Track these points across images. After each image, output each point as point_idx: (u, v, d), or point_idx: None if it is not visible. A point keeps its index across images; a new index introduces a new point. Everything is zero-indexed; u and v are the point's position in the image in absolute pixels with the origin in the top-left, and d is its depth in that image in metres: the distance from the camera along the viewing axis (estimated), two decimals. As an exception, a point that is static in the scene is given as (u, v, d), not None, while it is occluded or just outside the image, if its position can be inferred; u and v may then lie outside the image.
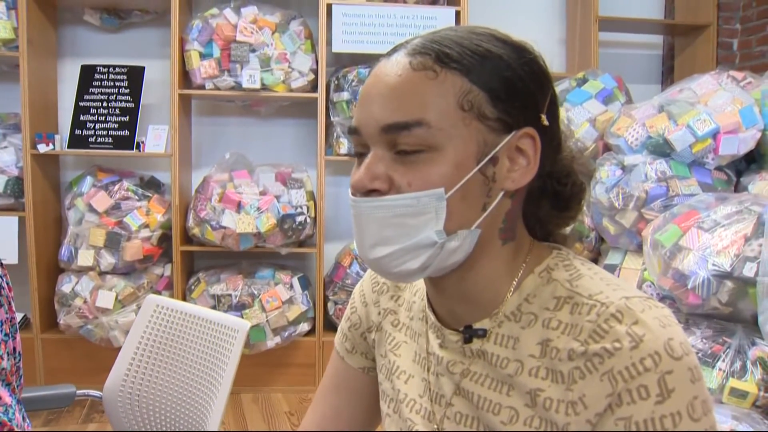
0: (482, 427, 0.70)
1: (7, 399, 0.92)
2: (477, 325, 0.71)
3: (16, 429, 0.90)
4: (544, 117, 0.69)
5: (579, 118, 3.11)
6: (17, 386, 0.97)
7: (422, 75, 0.65)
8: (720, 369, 2.04)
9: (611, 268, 2.89)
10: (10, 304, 0.97)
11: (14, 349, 0.96)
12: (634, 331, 0.60)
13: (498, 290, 0.71)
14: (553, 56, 3.92)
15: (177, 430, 1.53)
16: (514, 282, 0.71)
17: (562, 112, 3.12)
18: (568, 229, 0.79)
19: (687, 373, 0.59)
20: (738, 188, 2.72)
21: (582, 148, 0.70)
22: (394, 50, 0.69)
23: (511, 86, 0.66)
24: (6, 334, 0.94)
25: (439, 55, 0.65)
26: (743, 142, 2.60)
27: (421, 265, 0.66)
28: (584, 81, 3.27)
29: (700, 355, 2.08)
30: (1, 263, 0.99)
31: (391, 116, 0.65)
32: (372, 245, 0.67)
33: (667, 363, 0.59)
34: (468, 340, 0.72)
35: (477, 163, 0.65)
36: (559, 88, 3.30)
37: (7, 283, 0.98)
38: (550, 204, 0.75)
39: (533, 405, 0.66)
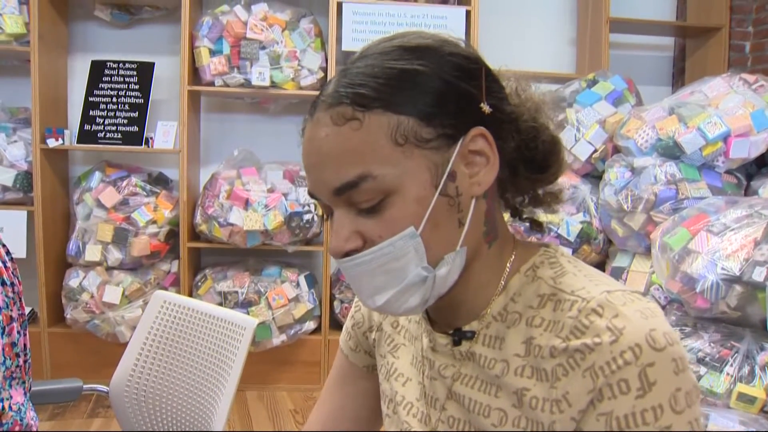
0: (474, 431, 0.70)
1: (20, 398, 0.92)
2: (466, 328, 0.71)
3: (25, 428, 0.90)
4: (484, 106, 0.66)
5: (588, 119, 3.09)
6: (30, 385, 0.97)
7: (347, 128, 0.63)
8: (728, 374, 2.03)
9: (619, 271, 2.88)
10: (21, 300, 0.97)
11: (24, 345, 0.96)
12: (614, 324, 0.59)
13: (487, 292, 0.70)
14: (563, 57, 3.91)
15: (183, 428, 1.53)
16: (502, 282, 0.70)
17: (571, 114, 3.12)
18: (557, 186, 0.76)
19: (670, 364, 0.58)
20: (748, 192, 2.71)
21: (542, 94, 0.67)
22: (315, 107, 0.67)
23: (439, 96, 0.64)
24: (18, 332, 0.94)
25: (355, 100, 0.63)
26: (754, 146, 2.59)
27: (422, 299, 0.66)
28: (594, 82, 3.26)
29: (707, 359, 2.07)
30: (12, 257, 0.98)
31: (336, 179, 0.64)
32: (370, 295, 0.67)
33: (648, 355, 0.57)
34: (457, 343, 0.71)
35: (435, 188, 0.64)
36: (569, 89, 3.28)
37: (18, 278, 0.98)
38: (527, 170, 0.72)
39: (520, 405, 0.65)
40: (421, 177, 0.63)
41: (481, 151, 0.66)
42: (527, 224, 0.80)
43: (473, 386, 0.70)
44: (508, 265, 0.71)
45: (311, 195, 0.69)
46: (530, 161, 0.72)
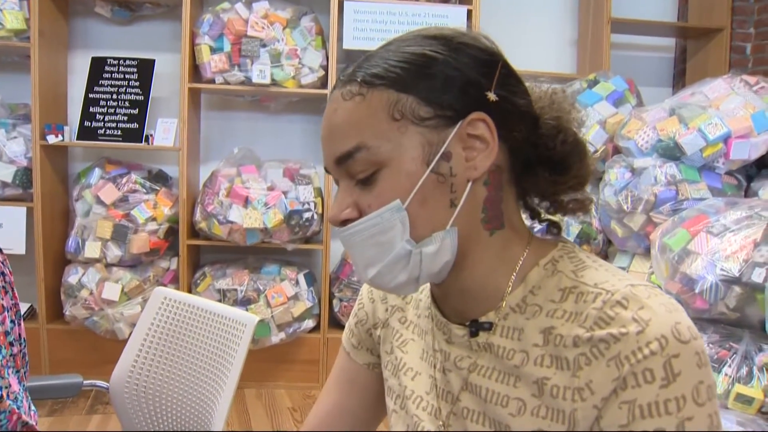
0: (488, 422, 0.70)
1: (16, 387, 0.92)
2: (483, 319, 0.71)
3: (24, 417, 0.91)
4: (491, 94, 0.67)
5: (589, 120, 3.09)
6: (24, 373, 0.97)
7: (352, 102, 0.67)
8: (726, 374, 2.03)
9: (618, 271, 2.87)
10: (13, 290, 0.97)
11: (20, 335, 0.96)
12: (640, 315, 0.60)
13: (498, 282, 0.70)
14: (564, 57, 3.91)
15: (183, 426, 1.53)
16: (514, 273, 0.70)
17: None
18: (582, 194, 0.76)
19: (694, 357, 0.59)
20: (748, 193, 2.71)
21: (562, 95, 0.69)
22: (334, 87, 0.71)
23: (444, 80, 0.66)
24: (12, 321, 0.94)
25: (365, 78, 0.67)
26: (755, 147, 2.59)
27: (410, 276, 0.68)
28: (595, 83, 3.26)
29: (706, 360, 2.07)
30: (1, 249, 0.99)
31: (337, 150, 0.68)
32: (364, 267, 0.69)
33: (673, 346, 0.59)
34: (474, 334, 0.72)
35: (427, 165, 0.66)
36: (569, 89, 3.28)
37: (8, 269, 0.98)
38: (548, 171, 0.73)
39: (540, 394, 0.65)
40: (413, 153, 0.66)
41: (481, 136, 0.67)
42: (543, 225, 0.80)
43: (490, 377, 0.70)
44: (521, 257, 0.71)
45: (326, 170, 0.73)
46: (548, 160, 0.72)
